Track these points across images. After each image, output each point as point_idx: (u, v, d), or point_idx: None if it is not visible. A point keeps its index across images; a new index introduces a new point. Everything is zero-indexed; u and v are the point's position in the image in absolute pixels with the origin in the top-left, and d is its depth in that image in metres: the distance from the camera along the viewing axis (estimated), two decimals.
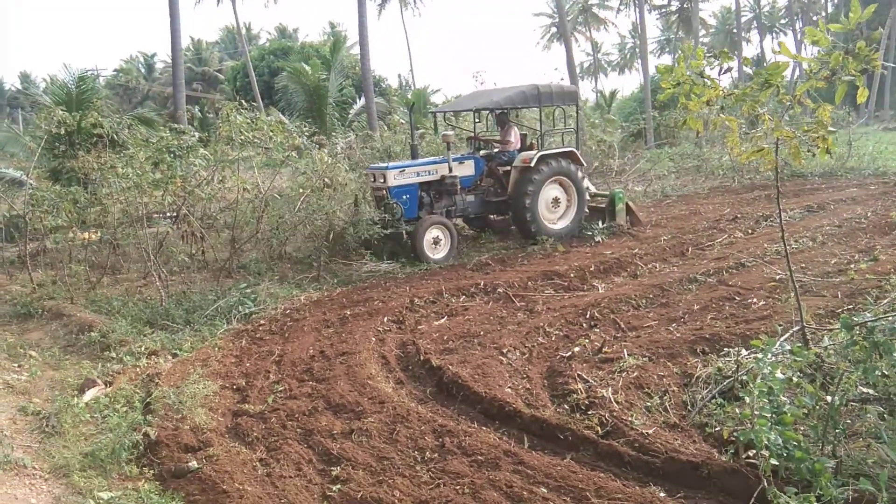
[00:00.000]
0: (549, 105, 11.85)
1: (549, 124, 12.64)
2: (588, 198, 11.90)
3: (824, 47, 4.12)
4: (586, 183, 12.00)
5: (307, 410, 5.37)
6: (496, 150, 11.96)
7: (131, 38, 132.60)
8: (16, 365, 6.77)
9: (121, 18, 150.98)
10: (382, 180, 10.44)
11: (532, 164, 10.96)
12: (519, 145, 11.92)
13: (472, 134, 12.82)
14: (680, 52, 4.53)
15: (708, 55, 4.52)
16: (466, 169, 11.28)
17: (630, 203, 12.31)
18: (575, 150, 11.68)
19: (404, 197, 10.49)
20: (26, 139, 16.98)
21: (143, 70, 65.38)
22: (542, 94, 11.32)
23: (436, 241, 10.43)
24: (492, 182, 11.71)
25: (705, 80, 4.46)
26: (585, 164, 12.42)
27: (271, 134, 10.53)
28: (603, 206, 12.12)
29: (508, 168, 11.47)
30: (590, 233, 11.59)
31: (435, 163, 11.04)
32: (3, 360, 6.90)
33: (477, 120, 13.27)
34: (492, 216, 11.91)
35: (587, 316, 7.30)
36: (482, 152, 12.02)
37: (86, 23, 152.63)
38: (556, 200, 11.49)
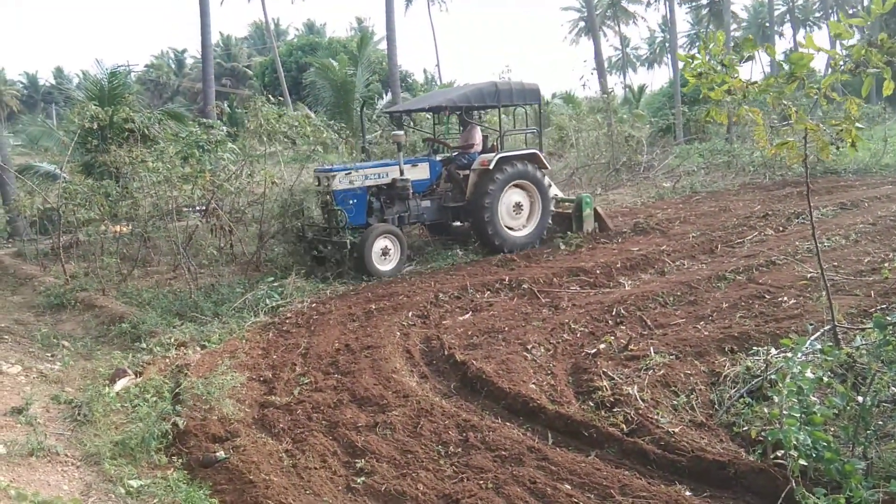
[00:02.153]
0: (508, 104, 11.14)
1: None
2: (553, 203, 11.29)
3: (848, 40, 4.04)
4: (548, 184, 11.30)
5: (332, 403, 5.42)
6: (455, 152, 11.28)
7: (162, 34, 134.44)
8: (49, 355, 6.93)
9: (152, 14, 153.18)
10: (327, 184, 9.65)
11: (491, 167, 10.26)
12: (480, 147, 11.18)
13: (431, 135, 12.17)
14: (701, 41, 4.46)
15: (730, 44, 4.46)
16: (420, 172, 10.51)
17: (598, 208, 11.68)
18: (538, 151, 11.03)
19: (350, 202, 9.66)
20: (60, 133, 17.34)
21: (173, 66, 66.38)
22: (502, 93, 10.66)
23: (385, 252, 9.56)
24: (450, 186, 10.93)
25: (726, 68, 4.38)
26: (549, 168, 11.73)
27: (296, 125, 10.53)
28: (569, 212, 11.48)
29: (469, 172, 10.74)
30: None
31: (385, 165, 10.29)
32: (37, 349, 7.06)
33: (437, 122, 12.65)
34: (453, 223, 11.11)
35: (613, 313, 7.25)
36: (441, 155, 11.36)
37: (117, 19, 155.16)
38: (518, 206, 10.73)
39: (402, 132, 10.46)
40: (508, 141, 11.75)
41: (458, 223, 11.10)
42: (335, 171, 9.67)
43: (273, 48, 37.43)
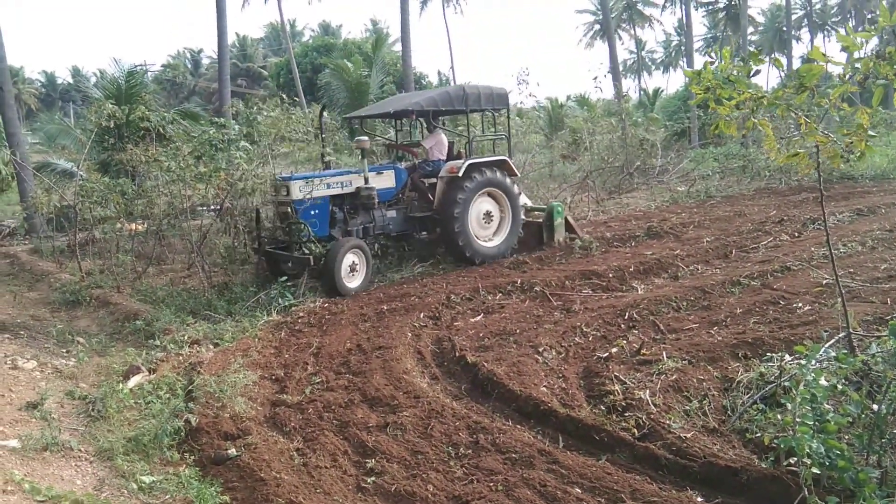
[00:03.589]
0: (477, 109, 10.71)
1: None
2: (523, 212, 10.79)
3: (856, 52, 4.01)
4: (518, 192, 10.78)
5: (343, 402, 5.44)
6: (419, 159, 10.73)
7: (179, 34, 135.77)
8: (64, 350, 7.00)
9: (169, 15, 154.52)
10: (286, 193, 8.90)
11: (460, 174, 9.73)
12: (445, 154, 10.64)
13: (392, 142, 11.66)
14: (707, 57, 4.46)
15: (736, 58, 4.43)
16: (385, 180, 9.88)
17: (569, 218, 11.22)
18: (507, 158, 10.59)
19: (312, 213, 9.00)
20: (77, 132, 17.56)
21: (189, 66, 66.93)
22: (470, 97, 10.17)
23: (352, 268, 8.92)
24: (415, 196, 10.39)
25: (733, 83, 4.36)
26: (519, 175, 11.25)
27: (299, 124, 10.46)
28: (540, 220, 11.04)
29: (434, 180, 10.22)
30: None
31: (348, 173, 9.65)
32: (52, 345, 7.14)
33: (399, 128, 12.13)
34: (419, 234, 10.52)
35: (626, 317, 7.22)
36: (405, 163, 10.78)
37: (135, 19, 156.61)
38: (488, 215, 10.26)
39: (366, 138, 9.77)
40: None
41: (425, 234, 10.53)
42: (295, 180, 8.93)
43: (288, 49, 37.58)
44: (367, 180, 9.46)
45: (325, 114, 10.76)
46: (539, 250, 10.62)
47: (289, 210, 8.92)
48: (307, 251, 8.57)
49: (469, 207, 9.91)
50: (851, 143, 4.25)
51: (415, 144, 10.76)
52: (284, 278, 8.75)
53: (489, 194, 10.28)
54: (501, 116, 11.96)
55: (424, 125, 11.14)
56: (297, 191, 8.82)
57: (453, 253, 10.17)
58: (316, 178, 9.18)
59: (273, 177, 9.76)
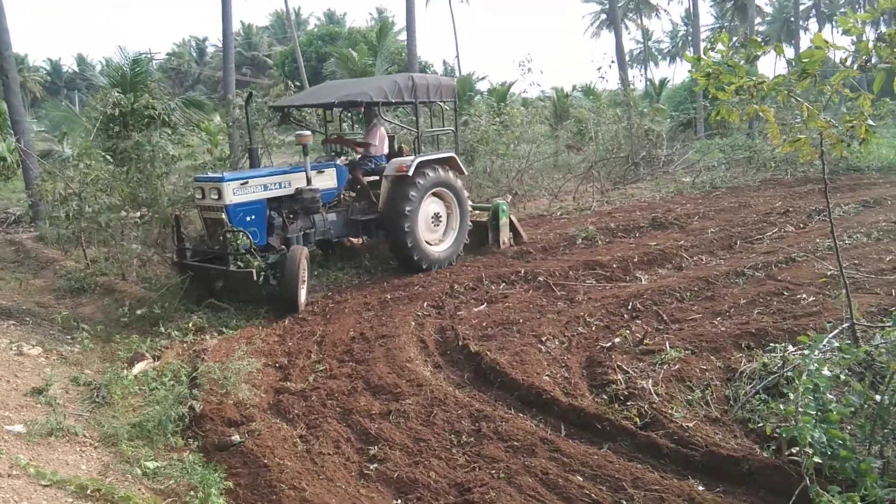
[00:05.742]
0: (425, 100, 9.74)
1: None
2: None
3: (857, 35, 3.99)
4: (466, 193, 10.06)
5: (347, 390, 5.46)
6: (358, 155, 9.90)
7: (184, 22, 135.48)
8: (69, 337, 7.02)
9: (174, 2, 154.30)
10: (216, 196, 7.70)
11: (410, 173, 8.92)
12: (386, 149, 9.89)
13: (329, 135, 10.66)
14: (707, 42, 4.43)
15: (734, 44, 4.41)
16: (327, 179, 8.89)
17: (513, 218, 10.67)
18: (455, 155, 9.82)
19: (248, 218, 7.87)
20: (82, 119, 17.53)
21: (194, 54, 66.92)
22: (418, 87, 9.27)
23: (302, 280, 7.98)
24: (354, 196, 9.57)
25: (734, 68, 4.34)
26: (466, 173, 10.50)
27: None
28: (484, 220, 10.50)
29: (377, 178, 9.45)
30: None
31: (287, 172, 8.55)
32: (57, 332, 7.16)
33: (329, 119, 11.14)
34: (354, 240, 9.75)
35: (629, 307, 7.21)
36: (341, 159, 9.84)
37: (140, 6, 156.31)
38: (436, 217, 9.47)
39: (308, 132, 8.52)
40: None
41: (355, 239, 9.79)
42: (226, 181, 7.73)
43: (293, 38, 37.46)
44: (309, 181, 8.39)
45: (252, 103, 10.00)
46: (486, 252, 10.15)
47: (221, 216, 7.73)
48: (243, 264, 7.44)
49: (419, 210, 9.08)
50: (853, 127, 4.22)
51: (367, 145, 9.82)
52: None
53: (437, 195, 9.51)
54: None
55: (361, 117, 10.28)
56: (231, 193, 7.71)
57: (400, 258, 9.33)
58: (252, 177, 8.08)
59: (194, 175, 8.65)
